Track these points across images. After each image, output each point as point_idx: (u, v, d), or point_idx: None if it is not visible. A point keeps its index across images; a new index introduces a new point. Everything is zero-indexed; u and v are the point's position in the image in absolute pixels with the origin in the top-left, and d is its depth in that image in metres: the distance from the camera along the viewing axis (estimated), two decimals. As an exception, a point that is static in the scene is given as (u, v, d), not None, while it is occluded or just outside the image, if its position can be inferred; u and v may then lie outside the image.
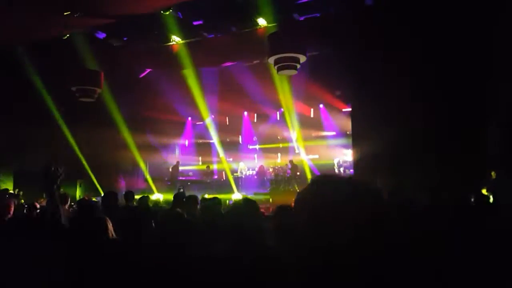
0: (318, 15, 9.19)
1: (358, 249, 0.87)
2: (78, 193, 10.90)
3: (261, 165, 15.27)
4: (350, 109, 10.95)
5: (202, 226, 3.62)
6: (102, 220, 2.68)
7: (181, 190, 7.01)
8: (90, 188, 11.16)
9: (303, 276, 0.92)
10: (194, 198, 4.75)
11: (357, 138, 9.17)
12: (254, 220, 1.91)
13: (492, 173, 6.91)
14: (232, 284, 1.64)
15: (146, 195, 7.94)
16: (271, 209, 7.57)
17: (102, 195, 5.30)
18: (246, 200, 2.20)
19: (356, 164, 9.20)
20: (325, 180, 1.01)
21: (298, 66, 8.92)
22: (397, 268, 0.91)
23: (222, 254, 1.82)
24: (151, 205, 6.56)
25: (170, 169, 14.89)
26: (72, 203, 6.85)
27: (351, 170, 10.64)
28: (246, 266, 1.67)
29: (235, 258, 1.75)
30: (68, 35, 9.13)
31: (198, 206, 4.58)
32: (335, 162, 14.23)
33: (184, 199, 4.94)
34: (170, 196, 5.52)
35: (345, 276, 0.87)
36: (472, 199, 4.63)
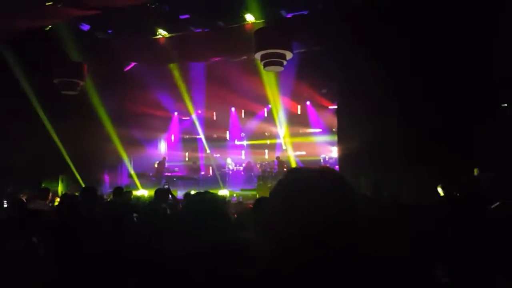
0: (306, 12, 9.18)
1: (325, 232, 0.91)
2: (60, 188, 10.70)
3: (249, 161, 15.27)
4: (336, 107, 11.00)
5: (181, 221, 3.61)
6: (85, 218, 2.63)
7: (166, 186, 6.96)
8: (72, 183, 10.97)
9: (275, 264, 0.96)
10: (164, 191, 4.91)
11: (342, 135, 9.23)
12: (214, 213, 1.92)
13: (475, 170, 7.02)
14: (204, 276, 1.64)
15: (129, 190, 7.88)
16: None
17: (80, 190, 5.20)
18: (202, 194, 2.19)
19: (341, 160, 9.25)
20: (298, 169, 1.10)
21: (285, 62, 8.91)
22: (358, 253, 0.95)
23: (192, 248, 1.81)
24: (133, 200, 6.50)
25: (156, 165, 14.75)
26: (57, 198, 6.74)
27: (336, 167, 10.69)
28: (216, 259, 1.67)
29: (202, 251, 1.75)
30: (51, 26, 8.93)
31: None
32: (321, 158, 14.31)
33: (165, 194, 4.97)
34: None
35: (310, 259, 0.92)
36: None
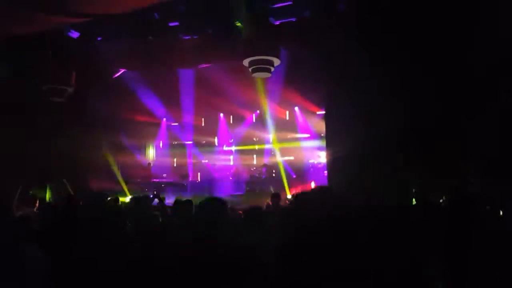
0: (294, 19, 9.33)
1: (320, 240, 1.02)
2: (48, 195, 10.60)
3: (236, 166, 15.34)
4: (324, 112, 11.17)
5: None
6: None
7: (155, 192, 6.94)
8: (60, 190, 10.86)
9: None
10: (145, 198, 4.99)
11: (330, 140, 9.37)
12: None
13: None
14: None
15: (116, 197, 7.88)
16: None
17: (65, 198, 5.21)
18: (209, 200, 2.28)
19: (329, 165, 9.39)
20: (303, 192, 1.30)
21: (272, 69, 9.05)
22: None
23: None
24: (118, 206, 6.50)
25: (142, 171, 14.74)
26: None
27: (325, 172, 10.84)
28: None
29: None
30: (39, 33, 8.89)
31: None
32: (310, 163, 14.49)
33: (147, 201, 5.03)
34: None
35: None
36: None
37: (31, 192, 8.97)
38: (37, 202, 6.02)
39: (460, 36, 7.44)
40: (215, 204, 2.13)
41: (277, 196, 6.13)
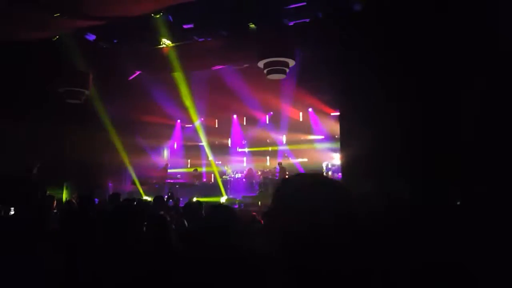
0: (308, 20, 9.31)
1: (319, 234, 0.96)
2: (65, 195, 10.79)
3: (250, 168, 15.33)
4: (338, 113, 11.09)
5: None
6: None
7: (170, 194, 7.04)
8: (77, 190, 11.05)
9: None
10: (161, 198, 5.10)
11: (344, 142, 9.29)
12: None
13: None
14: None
15: (134, 197, 7.95)
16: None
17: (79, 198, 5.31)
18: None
19: (344, 167, 9.31)
20: (294, 175, 1.16)
21: (287, 70, 9.03)
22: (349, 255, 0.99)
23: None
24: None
25: (158, 172, 14.86)
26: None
27: (339, 174, 10.75)
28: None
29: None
30: (57, 37, 9.09)
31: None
32: (324, 165, 14.37)
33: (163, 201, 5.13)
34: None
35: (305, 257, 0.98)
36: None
37: (48, 192, 9.17)
38: (55, 202, 6.13)
39: (473, 41, 7.35)
40: (223, 211, 2.16)
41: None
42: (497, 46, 6.99)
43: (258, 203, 11.42)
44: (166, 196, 6.60)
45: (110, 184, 13.00)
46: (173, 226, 3.56)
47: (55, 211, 5.92)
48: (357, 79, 8.67)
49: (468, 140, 7.22)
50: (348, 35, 8.64)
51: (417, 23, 7.78)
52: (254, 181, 14.77)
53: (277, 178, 14.12)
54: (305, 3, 8.79)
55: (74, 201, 7.07)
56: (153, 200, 5.25)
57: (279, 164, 14.35)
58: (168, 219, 3.60)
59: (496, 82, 7.05)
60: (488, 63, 7.13)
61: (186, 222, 3.98)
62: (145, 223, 2.89)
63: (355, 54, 8.60)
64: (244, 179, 15.23)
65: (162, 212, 4.52)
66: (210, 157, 16.95)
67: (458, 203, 4.78)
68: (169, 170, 15.61)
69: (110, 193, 12.46)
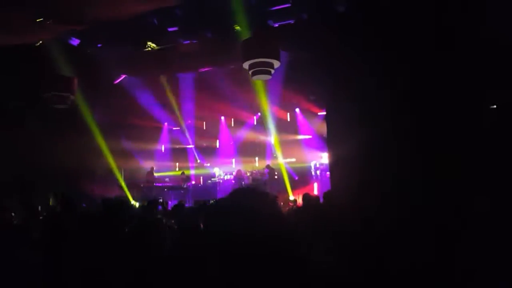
0: (292, 21, 9.38)
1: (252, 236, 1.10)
2: (51, 202, 10.63)
3: (239, 170, 15.34)
4: (325, 113, 11.18)
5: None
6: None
7: (160, 200, 7.01)
8: (62, 195, 10.89)
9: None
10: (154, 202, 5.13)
11: (332, 141, 9.37)
12: None
13: None
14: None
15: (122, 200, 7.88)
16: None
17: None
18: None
19: (332, 166, 9.39)
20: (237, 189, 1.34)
21: (272, 71, 9.08)
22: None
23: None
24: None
25: (145, 175, 14.78)
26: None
27: (328, 173, 10.84)
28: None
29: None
30: (41, 41, 8.97)
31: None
32: (312, 165, 14.47)
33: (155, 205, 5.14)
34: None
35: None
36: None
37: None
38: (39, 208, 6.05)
39: (468, 38, 7.44)
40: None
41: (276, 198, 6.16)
42: (496, 42, 7.04)
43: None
44: (160, 200, 6.65)
45: (96, 189, 12.86)
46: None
47: (41, 217, 5.85)
48: (342, 78, 8.75)
49: (463, 139, 7.32)
50: (332, 36, 8.73)
51: (404, 21, 7.87)
52: (243, 182, 14.78)
53: (265, 179, 14.17)
54: (289, 5, 8.86)
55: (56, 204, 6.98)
56: (148, 204, 5.26)
57: (268, 166, 14.43)
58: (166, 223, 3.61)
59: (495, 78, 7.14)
60: (484, 58, 7.21)
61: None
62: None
63: (340, 54, 8.69)
64: (233, 181, 15.23)
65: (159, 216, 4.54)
66: (198, 160, 16.92)
67: (448, 203, 4.87)
68: (156, 174, 15.51)
69: (96, 197, 12.37)
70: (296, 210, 5.06)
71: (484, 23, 7.10)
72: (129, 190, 13.06)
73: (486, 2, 7.24)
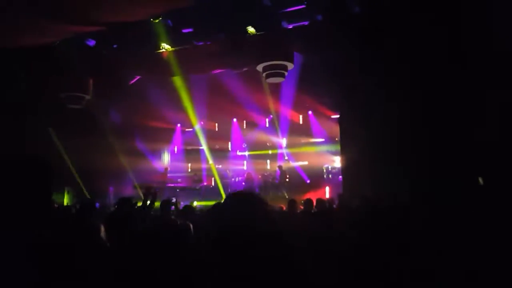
0: (307, 23, 9.33)
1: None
2: (66, 200, 10.79)
3: (248, 173, 15.29)
4: (338, 116, 11.10)
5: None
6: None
7: (173, 200, 7.01)
8: (78, 195, 11.06)
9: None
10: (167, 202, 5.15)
11: (345, 144, 9.29)
12: None
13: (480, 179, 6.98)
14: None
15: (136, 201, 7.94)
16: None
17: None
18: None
19: (344, 170, 9.31)
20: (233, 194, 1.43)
21: (286, 73, 9.05)
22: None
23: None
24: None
25: (159, 176, 14.86)
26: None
27: (340, 177, 10.74)
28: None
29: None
30: (57, 42, 9.12)
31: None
32: (324, 168, 14.36)
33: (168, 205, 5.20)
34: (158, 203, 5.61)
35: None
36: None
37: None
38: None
39: (477, 38, 7.34)
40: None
41: (293, 202, 6.11)
42: (504, 45, 6.96)
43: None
44: (173, 200, 6.68)
45: (111, 189, 13.00)
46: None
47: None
48: (357, 81, 8.68)
49: (471, 140, 7.19)
50: (348, 38, 8.66)
51: (417, 24, 7.79)
52: (253, 184, 14.73)
53: (277, 181, 14.10)
54: (304, 6, 8.81)
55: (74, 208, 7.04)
56: (161, 204, 5.28)
57: (279, 167, 14.33)
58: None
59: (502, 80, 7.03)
60: (493, 60, 7.11)
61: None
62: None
63: (355, 56, 8.62)
64: (243, 183, 15.21)
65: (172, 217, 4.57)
66: (210, 161, 16.95)
67: (460, 204, 4.79)
68: (169, 174, 15.61)
69: (111, 197, 12.49)
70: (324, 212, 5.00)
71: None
72: (142, 190, 13.16)
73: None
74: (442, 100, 7.56)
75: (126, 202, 5.45)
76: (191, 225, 3.48)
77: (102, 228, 2.50)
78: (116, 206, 5.96)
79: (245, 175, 15.28)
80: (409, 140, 7.77)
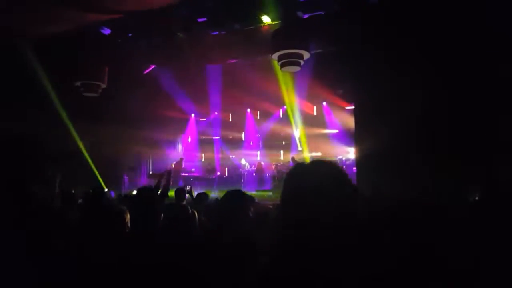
0: (323, 13, 9.18)
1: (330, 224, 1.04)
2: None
3: (259, 162, 15.28)
4: (353, 107, 10.95)
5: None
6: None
7: (188, 188, 7.07)
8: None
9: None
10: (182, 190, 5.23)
11: (359, 136, 9.17)
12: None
13: None
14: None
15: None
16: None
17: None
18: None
19: (359, 161, 9.21)
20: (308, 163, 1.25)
21: (302, 62, 8.95)
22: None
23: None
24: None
25: (173, 165, 14.96)
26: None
27: (354, 168, 10.63)
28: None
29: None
30: (73, 31, 9.17)
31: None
32: (338, 159, 14.25)
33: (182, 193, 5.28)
34: (172, 193, 5.66)
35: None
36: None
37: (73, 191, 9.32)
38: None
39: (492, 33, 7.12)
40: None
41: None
42: None
43: (272, 196, 11.41)
44: (188, 188, 6.75)
45: (126, 177, 13.17)
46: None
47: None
48: (372, 71, 8.53)
49: (496, 135, 7.00)
50: (365, 28, 8.49)
51: (434, 12, 7.59)
52: (266, 174, 14.73)
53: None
54: (320, -5, 8.67)
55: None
56: (175, 192, 5.38)
57: (292, 159, 14.29)
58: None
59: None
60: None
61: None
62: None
63: (371, 46, 8.46)
64: (254, 174, 15.22)
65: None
66: (224, 151, 17.02)
67: (478, 203, 4.66)
68: (184, 164, 15.72)
69: (126, 186, 12.65)
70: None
71: None
72: (157, 179, 13.28)
73: None
74: (468, 90, 7.35)
75: (147, 191, 5.50)
76: (195, 212, 3.59)
77: (127, 215, 2.52)
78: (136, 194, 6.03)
79: (256, 165, 15.30)
80: (428, 132, 7.62)
